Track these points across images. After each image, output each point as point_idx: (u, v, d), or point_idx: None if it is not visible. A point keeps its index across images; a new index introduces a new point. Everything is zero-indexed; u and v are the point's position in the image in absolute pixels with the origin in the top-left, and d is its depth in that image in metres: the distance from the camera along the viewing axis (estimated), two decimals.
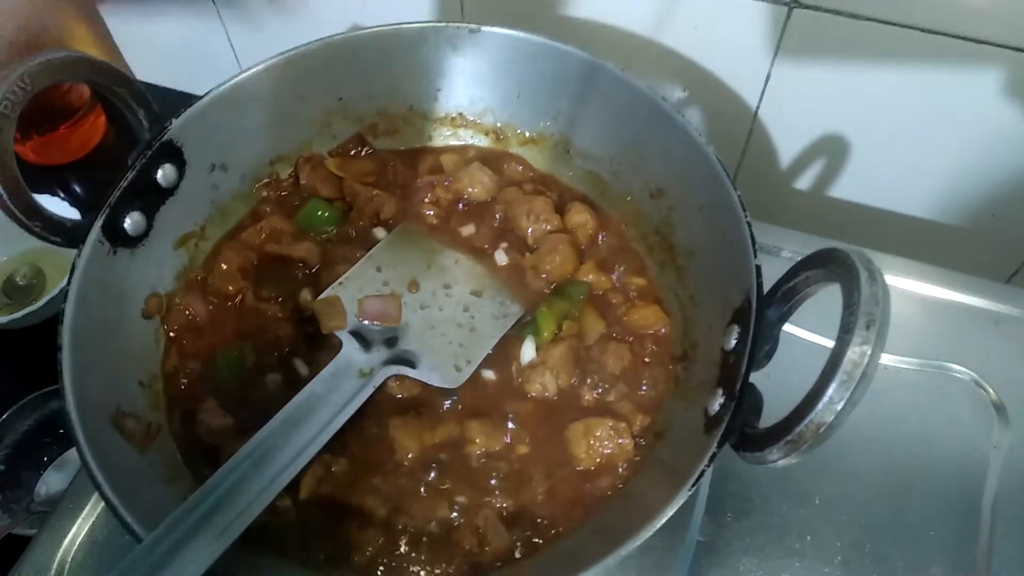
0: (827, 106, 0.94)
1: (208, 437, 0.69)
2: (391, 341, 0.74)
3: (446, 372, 0.72)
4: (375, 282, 0.77)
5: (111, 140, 1.15)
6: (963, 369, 0.84)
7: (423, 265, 0.79)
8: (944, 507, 0.77)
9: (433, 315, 0.76)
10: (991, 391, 0.83)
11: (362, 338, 0.73)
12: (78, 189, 1.10)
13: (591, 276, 0.78)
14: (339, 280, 0.76)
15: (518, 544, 0.65)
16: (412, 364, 0.72)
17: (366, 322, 0.74)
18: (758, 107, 0.97)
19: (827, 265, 0.55)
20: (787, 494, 0.77)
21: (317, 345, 0.74)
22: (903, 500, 0.77)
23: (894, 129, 0.93)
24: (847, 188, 1.04)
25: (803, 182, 1.05)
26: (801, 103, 0.95)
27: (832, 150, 0.99)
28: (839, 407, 0.48)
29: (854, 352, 0.48)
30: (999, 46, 0.80)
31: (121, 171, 0.70)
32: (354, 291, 0.76)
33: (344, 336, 0.73)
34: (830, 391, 0.48)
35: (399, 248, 0.81)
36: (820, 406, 0.48)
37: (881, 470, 0.78)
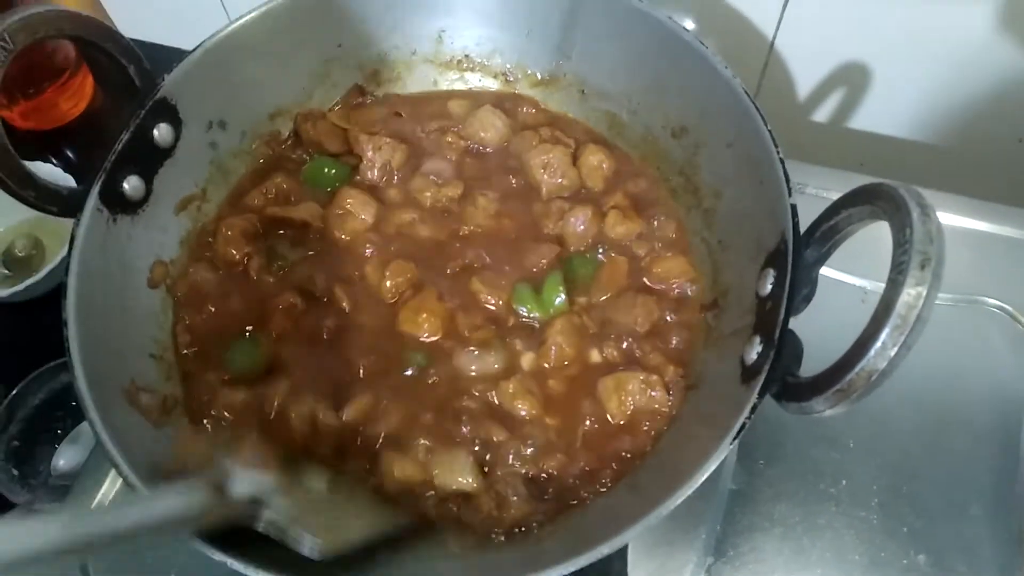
0: (848, 32, 0.90)
1: (226, 411, 0.67)
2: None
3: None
4: None
5: (101, 102, 1.12)
6: (996, 302, 0.81)
7: None
8: (981, 445, 0.75)
9: None
10: None
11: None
12: (71, 155, 1.08)
13: (615, 225, 0.75)
14: None
15: (551, 503, 0.63)
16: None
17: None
18: (774, 37, 0.93)
19: (872, 202, 0.51)
20: (819, 439, 0.76)
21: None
22: (939, 440, 0.76)
23: (917, 55, 0.89)
24: (867, 119, 1.00)
25: (821, 114, 1.02)
26: (821, 30, 0.90)
27: (852, 79, 0.95)
28: (892, 353, 0.45)
29: (908, 294, 0.45)
30: None
31: (114, 134, 0.66)
32: None
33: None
34: (883, 336, 0.45)
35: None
36: (872, 352, 0.45)
37: (915, 410, 0.77)
